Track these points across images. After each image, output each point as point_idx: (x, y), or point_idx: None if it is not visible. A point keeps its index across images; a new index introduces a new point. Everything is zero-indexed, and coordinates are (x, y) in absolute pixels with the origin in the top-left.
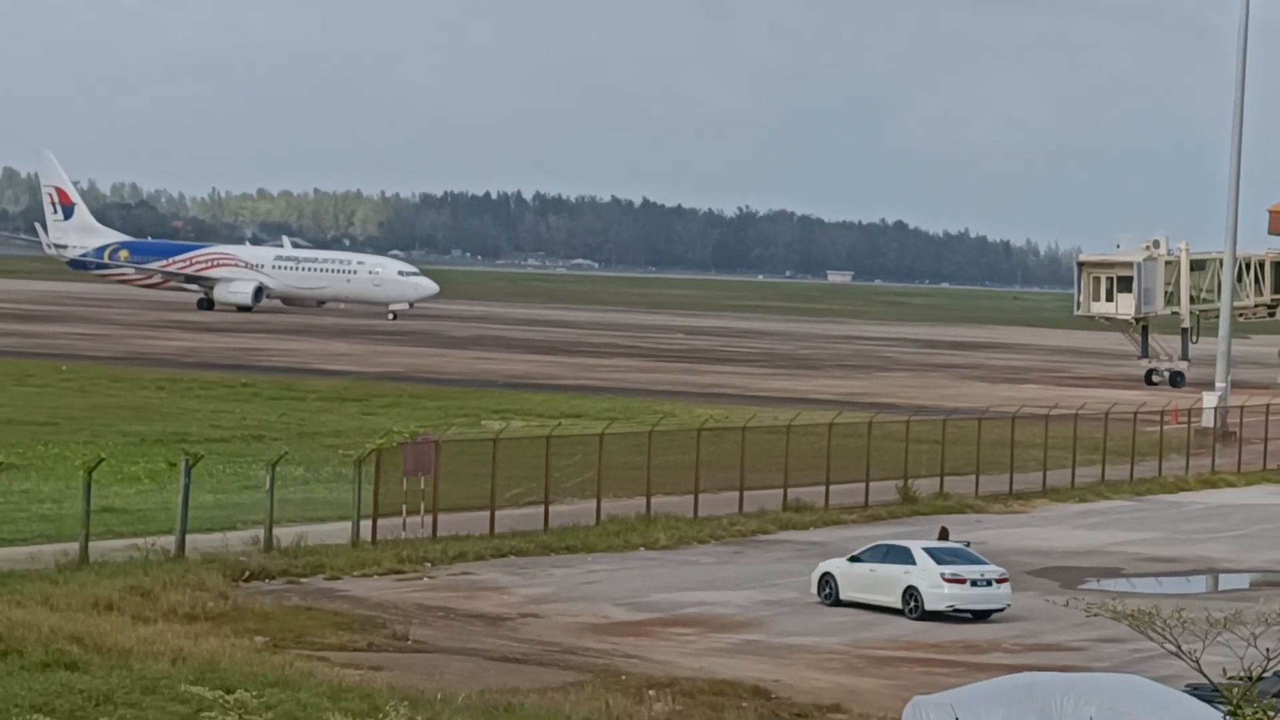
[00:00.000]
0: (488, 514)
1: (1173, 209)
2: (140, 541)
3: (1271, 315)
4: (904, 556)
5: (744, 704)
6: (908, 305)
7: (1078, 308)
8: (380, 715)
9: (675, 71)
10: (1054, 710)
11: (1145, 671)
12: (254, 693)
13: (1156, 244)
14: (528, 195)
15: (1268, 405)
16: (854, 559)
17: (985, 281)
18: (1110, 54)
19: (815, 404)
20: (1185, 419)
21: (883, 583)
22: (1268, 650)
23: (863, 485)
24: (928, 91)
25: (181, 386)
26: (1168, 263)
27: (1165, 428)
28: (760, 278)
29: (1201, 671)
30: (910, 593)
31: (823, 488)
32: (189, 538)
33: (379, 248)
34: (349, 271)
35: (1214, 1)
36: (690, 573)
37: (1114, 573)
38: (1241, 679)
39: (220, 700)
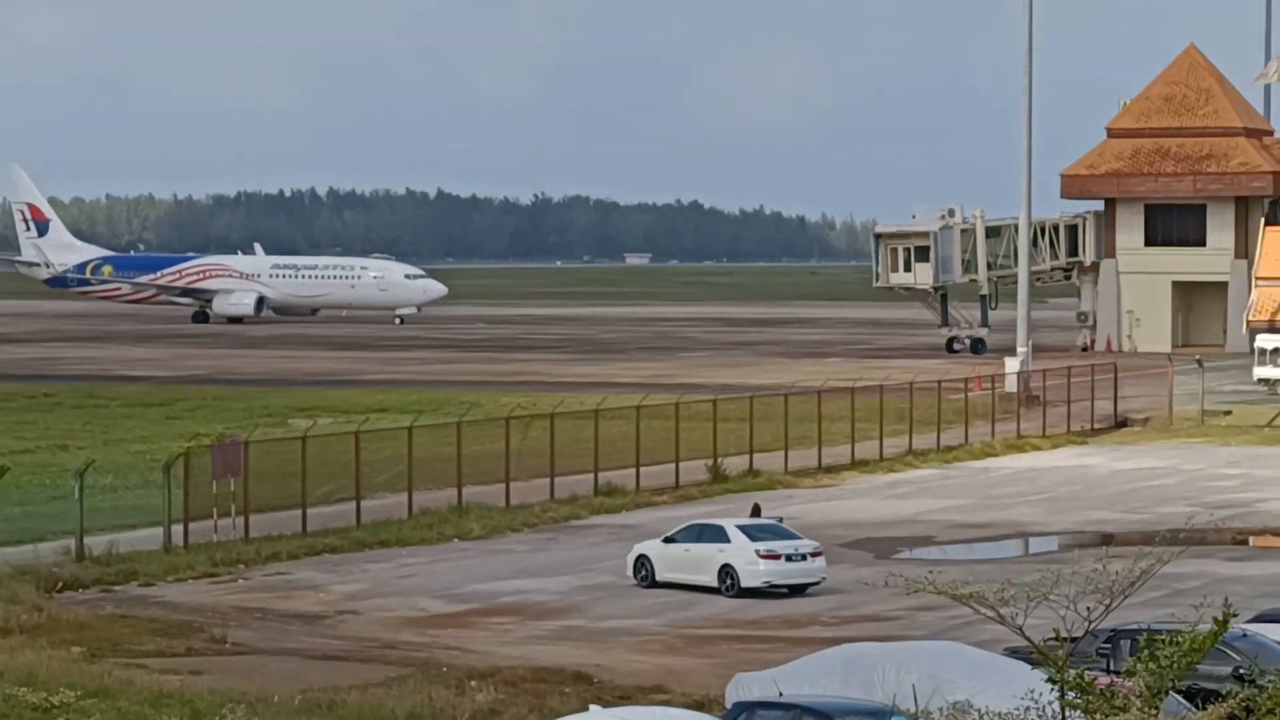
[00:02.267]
0: (299, 513)
1: (965, 178)
2: None
3: (1068, 278)
4: (718, 535)
5: (566, 690)
6: (706, 284)
7: (876, 279)
8: (216, 718)
9: (457, 62)
10: (876, 680)
11: (962, 637)
12: (76, 693)
13: (951, 212)
14: (321, 191)
15: (1069, 368)
16: (668, 540)
17: (784, 258)
18: (890, 27)
19: (621, 387)
20: (989, 385)
21: (698, 562)
22: (1088, 610)
23: (673, 466)
24: (710, 71)
25: None
26: (963, 231)
27: (969, 395)
28: (559, 264)
29: (1026, 637)
30: (726, 571)
31: (633, 470)
32: None
33: (175, 250)
34: (352, 277)
35: None
36: (505, 561)
37: (926, 541)
38: (1060, 640)
39: (44, 703)
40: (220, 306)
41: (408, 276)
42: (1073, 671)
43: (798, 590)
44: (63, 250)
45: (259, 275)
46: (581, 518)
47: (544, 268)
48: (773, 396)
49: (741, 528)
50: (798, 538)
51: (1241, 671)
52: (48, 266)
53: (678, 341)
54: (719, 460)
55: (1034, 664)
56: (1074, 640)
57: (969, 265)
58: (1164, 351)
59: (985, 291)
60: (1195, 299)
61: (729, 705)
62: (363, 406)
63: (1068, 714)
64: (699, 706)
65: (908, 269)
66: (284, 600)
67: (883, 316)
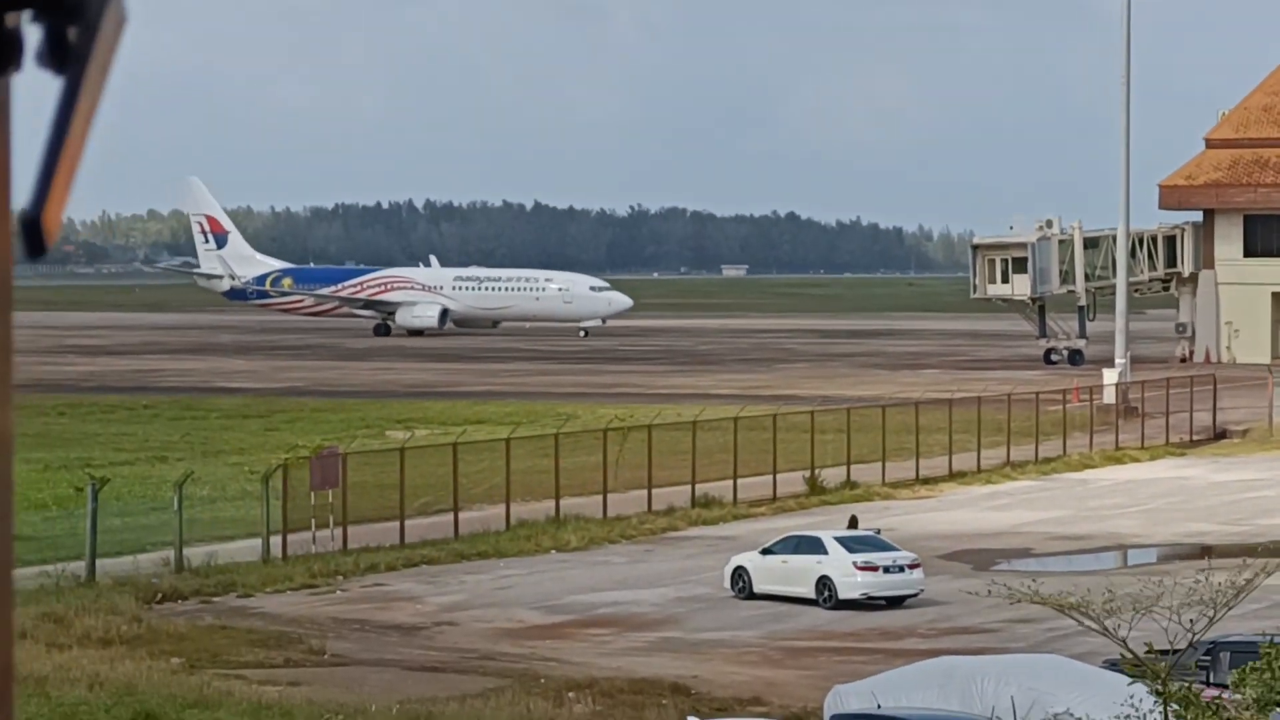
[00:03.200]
0: (397, 524)
1: (1062, 190)
2: (50, 568)
3: (1166, 289)
4: (816, 547)
5: (664, 701)
6: (804, 296)
7: (974, 290)
8: None
9: (553, 74)
10: (974, 693)
11: (1061, 650)
12: (175, 717)
13: (1049, 223)
14: (418, 203)
15: (1168, 379)
16: (766, 551)
17: (880, 269)
18: (985, 37)
19: (718, 399)
20: (1087, 396)
21: (796, 574)
22: (1191, 621)
23: (770, 478)
24: (807, 82)
25: (83, 411)
26: (1061, 242)
27: (1068, 406)
28: (655, 275)
29: (1129, 649)
30: (824, 582)
31: (730, 482)
32: (99, 562)
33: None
34: (536, 289)
35: None
36: (603, 573)
37: (1024, 553)
38: (1163, 653)
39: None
40: (403, 319)
41: (593, 289)
42: (1178, 684)
43: (895, 602)
44: (242, 262)
45: (441, 287)
46: (679, 529)
47: (640, 279)
48: (870, 408)
49: (839, 539)
50: (895, 549)
51: None
52: (232, 278)
53: (775, 353)
54: (816, 472)
55: (1134, 676)
56: (1176, 653)
57: (1067, 276)
58: (1263, 363)
59: (1083, 303)
60: None
61: (827, 717)
62: (460, 418)
63: None
64: (797, 718)
65: (1005, 280)
66: (382, 611)
67: (980, 328)
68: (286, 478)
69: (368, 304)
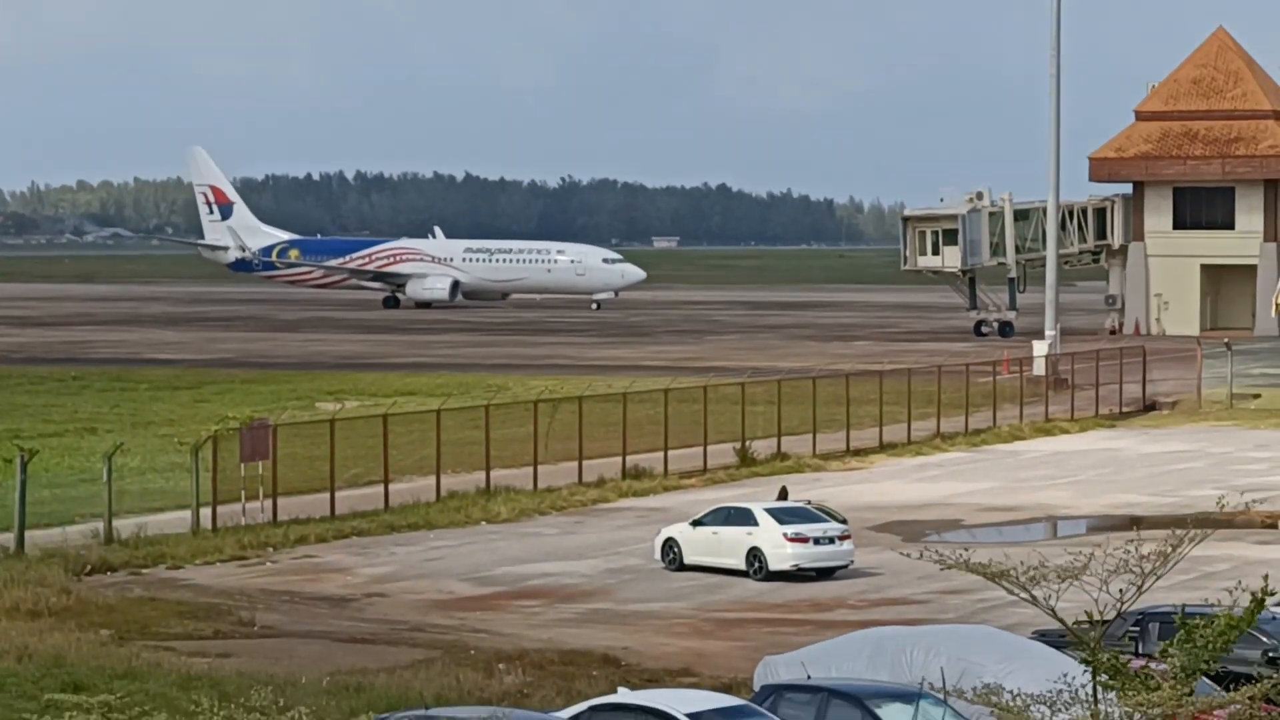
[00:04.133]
0: (327, 496)
1: (993, 162)
2: None
3: (1096, 261)
4: (746, 518)
5: (594, 673)
6: (734, 268)
7: (905, 262)
8: (242, 700)
9: (485, 44)
10: (904, 663)
11: (991, 621)
12: (103, 688)
13: (980, 195)
14: (349, 175)
15: (1098, 351)
16: (696, 523)
17: (811, 241)
18: (918, 8)
19: (649, 370)
20: (1017, 368)
21: (726, 545)
22: (1120, 592)
23: (701, 449)
24: (738, 53)
25: (11, 382)
26: (992, 214)
27: (998, 378)
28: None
29: (1058, 618)
30: (754, 554)
31: (661, 453)
32: (28, 534)
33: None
34: (549, 261)
35: None
36: (533, 544)
37: (954, 524)
38: (1091, 623)
39: (83, 704)
40: (414, 291)
41: (605, 261)
42: (1106, 654)
43: (826, 574)
44: (246, 233)
45: (451, 259)
46: (609, 501)
47: None
48: (801, 379)
49: (769, 511)
50: (825, 520)
51: (1272, 655)
52: (241, 250)
53: (706, 325)
54: (747, 443)
55: (1061, 648)
56: (1105, 623)
57: (997, 248)
58: (1192, 335)
59: (1013, 275)
60: (1224, 282)
61: (757, 688)
62: (391, 390)
63: (1101, 695)
64: (727, 689)
65: (935, 252)
66: (312, 583)
67: (910, 300)
68: (216, 449)
69: (377, 276)
